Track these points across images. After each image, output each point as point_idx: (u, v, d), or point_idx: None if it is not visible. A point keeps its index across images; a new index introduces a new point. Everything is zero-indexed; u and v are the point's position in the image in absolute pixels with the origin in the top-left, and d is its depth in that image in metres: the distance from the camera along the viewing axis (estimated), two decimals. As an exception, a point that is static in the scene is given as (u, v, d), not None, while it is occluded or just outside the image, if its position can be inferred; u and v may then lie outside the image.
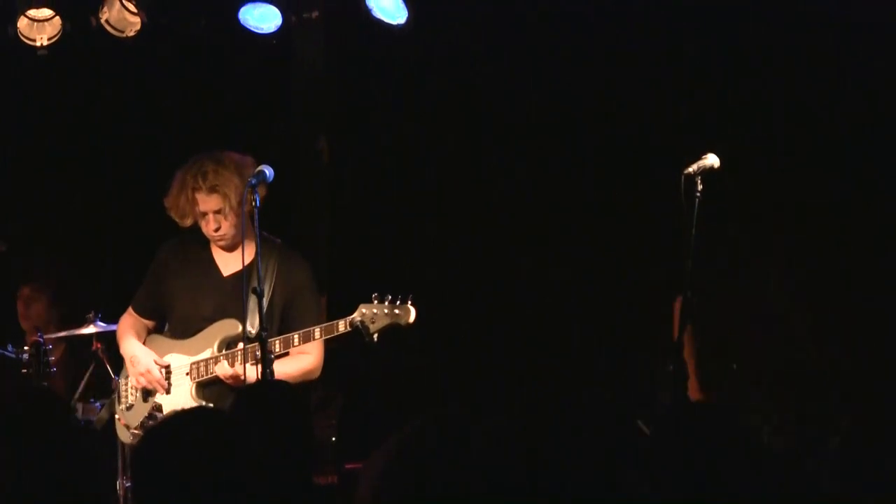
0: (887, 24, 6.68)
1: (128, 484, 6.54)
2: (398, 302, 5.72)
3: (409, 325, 5.73)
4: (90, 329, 7.03)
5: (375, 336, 5.74)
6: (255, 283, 5.66)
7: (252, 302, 5.71)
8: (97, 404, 6.95)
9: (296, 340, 5.89)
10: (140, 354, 6.16)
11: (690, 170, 5.54)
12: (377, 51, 7.57)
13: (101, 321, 6.98)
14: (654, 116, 7.31)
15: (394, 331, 5.73)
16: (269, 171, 5.87)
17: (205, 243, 6.18)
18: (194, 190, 6.04)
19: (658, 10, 7.17)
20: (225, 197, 6.00)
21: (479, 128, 7.76)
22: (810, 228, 6.74)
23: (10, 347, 6.77)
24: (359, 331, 5.74)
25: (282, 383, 5.48)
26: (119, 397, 6.31)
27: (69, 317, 7.28)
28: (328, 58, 8.03)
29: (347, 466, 7.05)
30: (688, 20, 7.11)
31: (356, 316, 5.76)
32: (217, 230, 6.05)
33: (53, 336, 6.93)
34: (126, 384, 6.28)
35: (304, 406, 4.62)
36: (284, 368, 5.97)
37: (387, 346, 6.73)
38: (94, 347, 7.06)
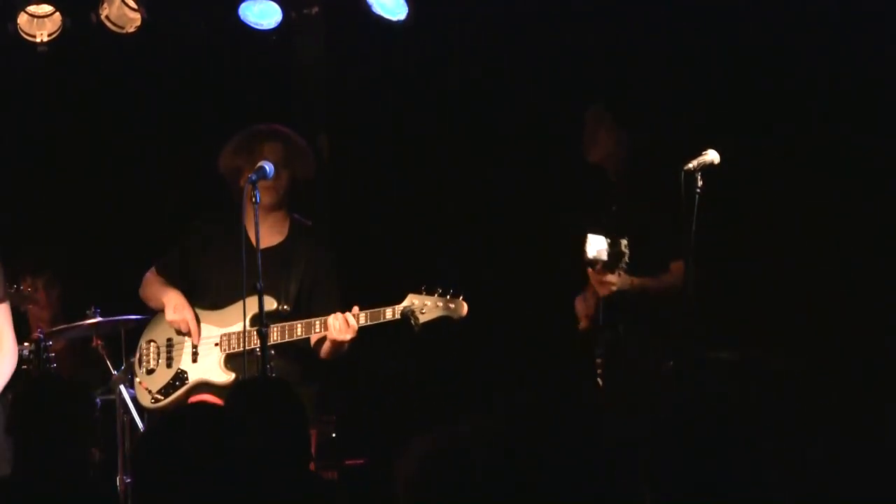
0: (887, 23, 6.69)
1: (128, 479, 6.53)
2: (449, 295, 5.79)
3: (461, 318, 5.77)
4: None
5: (423, 326, 5.81)
6: (257, 280, 5.69)
7: (282, 278, 5.89)
8: (97, 400, 6.92)
9: (317, 326, 5.97)
10: (185, 303, 6.19)
11: (690, 166, 5.56)
12: (377, 47, 7.57)
13: (101, 316, 6.97)
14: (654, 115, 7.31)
15: (440, 323, 5.81)
16: (269, 167, 5.90)
17: (239, 218, 6.16)
18: (266, 137, 6.12)
19: (658, 9, 7.18)
20: (291, 157, 6.11)
21: (480, 125, 7.75)
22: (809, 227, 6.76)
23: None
24: (407, 319, 5.80)
25: (278, 380, 5.49)
26: (140, 360, 6.34)
27: (69, 311, 7.27)
28: (328, 54, 8.03)
29: (347, 462, 7.07)
30: (688, 20, 7.12)
31: (406, 304, 5.83)
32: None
33: (54, 330, 6.91)
34: (148, 347, 6.32)
35: (300, 401, 4.62)
36: None
37: (385, 345, 6.74)
38: (94, 344, 7.04)
